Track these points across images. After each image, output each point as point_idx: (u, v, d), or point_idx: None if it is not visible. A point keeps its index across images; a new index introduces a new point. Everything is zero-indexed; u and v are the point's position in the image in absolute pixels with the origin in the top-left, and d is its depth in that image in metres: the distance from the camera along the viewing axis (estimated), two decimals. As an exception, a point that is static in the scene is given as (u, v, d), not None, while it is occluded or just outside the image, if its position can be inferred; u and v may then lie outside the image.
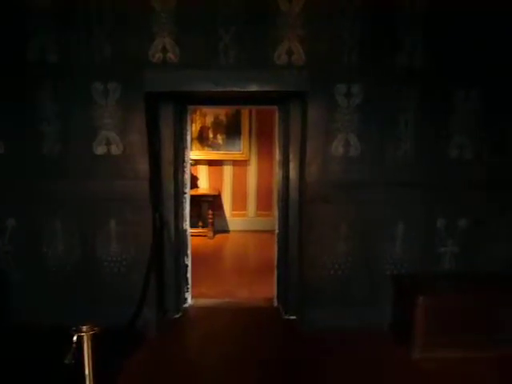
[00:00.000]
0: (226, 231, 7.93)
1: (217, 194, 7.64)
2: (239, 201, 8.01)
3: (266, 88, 3.59)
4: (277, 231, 4.27)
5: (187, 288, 4.37)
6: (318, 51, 3.58)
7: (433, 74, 3.65)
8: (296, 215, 4.01)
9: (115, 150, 3.66)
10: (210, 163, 7.87)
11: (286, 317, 4.13)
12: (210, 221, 7.36)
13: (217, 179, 7.94)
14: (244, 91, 3.61)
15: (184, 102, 4.06)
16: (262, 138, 7.72)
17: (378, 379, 3.17)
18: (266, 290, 4.62)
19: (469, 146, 3.75)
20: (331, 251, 3.80)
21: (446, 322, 3.44)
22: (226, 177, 7.95)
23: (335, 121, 3.65)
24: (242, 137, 7.78)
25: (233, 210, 8.04)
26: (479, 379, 3.16)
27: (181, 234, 4.21)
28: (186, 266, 4.31)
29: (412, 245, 3.83)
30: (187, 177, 4.23)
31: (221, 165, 7.90)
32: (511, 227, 3.88)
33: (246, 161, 7.88)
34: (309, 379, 3.16)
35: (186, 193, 4.23)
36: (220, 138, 7.77)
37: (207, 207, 7.42)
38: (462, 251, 3.87)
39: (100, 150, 3.67)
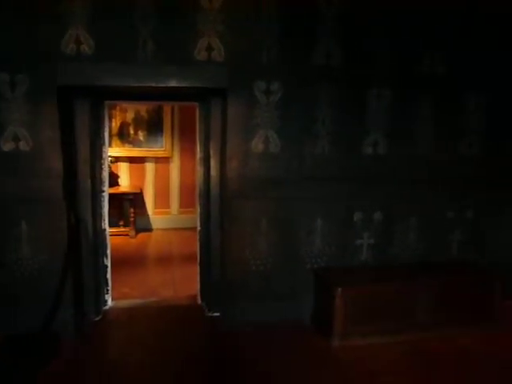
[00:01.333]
0: (149, 230, 7.75)
1: (138, 191, 7.43)
2: (162, 198, 7.85)
3: (186, 84, 3.54)
4: (199, 228, 4.24)
5: (107, 289, 4.22)
6: (237, 48, 3.59)
7: (348, 72, 3.80)
8: (217, 212, 4.01)
9: (24, 146, 3.44)
10: (132, 160, 7.64)
11: (210, 314, 4.12)
12: (132, 219, 7.15)
13: (139, 177, 7.72)
14: (163, 87, 3.53)
15: (101, 97, 3.90)
16: (185, 135, 7.61)
17: (299, 369, 3.26)
18: (190, 288, 4.58)
19: (383, 142, 3.96)
20: (253, 247, 3.84)
21: (364, 311, 3.60)
22: (149, 174, 7.76)
23: (255, 117, 3.69)
24: (164, 133, 7.62)
25: (155, 207, 7.87)
26: (393, 362, 3.35)
27: (99, 234, 4.04)
28: (106, 266, 4.16)
29: (331, 239, 3.97)
30: (105, 174, 4.07)
31: (143, 162, 7.69)
32: (421, 219, 4.16)
33: (168, 158, 7.74)
34: (231, 375, 3.18)
35: (104, 191, 4.07)
36: (141, 135, 7.56)
37: (129, 205, 7.21)
38: (377, 243, 4.08)
39: (8, 146, 3.43)
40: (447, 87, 4.03)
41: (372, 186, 3.95)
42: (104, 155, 4.03)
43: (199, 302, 4.35)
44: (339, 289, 3.52)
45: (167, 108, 7.49)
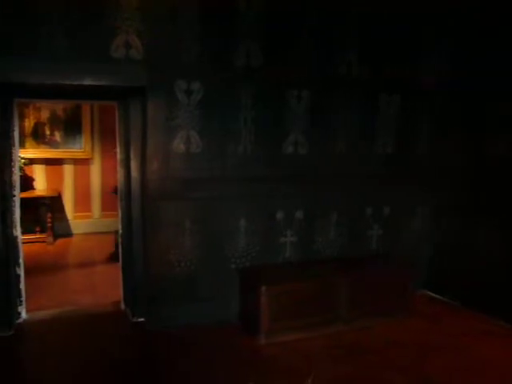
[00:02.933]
0: (69, 235, 7.39)
1: (56, 195, 7.04)
2: (82, 202, 7.51)
3: (101, 82, 3.41)
4: (120, 231, 4.10)
5: (21, 301, 3.94)
6: (157, 46, 3.52)
7: (269, 73, 3.85)
8: (139, 214, 3.90)
9: None
10: (48, 162, 7.22)
11: (134, 319, 4.00)
12: (49, 225, 6.77)
13: (56, 179, 7.32)
14: (77, 84, 3.37)
15: (10, 95, 3.65)
16: (106, 135, 7.31)
17: (221, 367, 3.24)
18: (113, 294, 4.42)
19: (303, 142, 4.05)
20: (176, 248, 3.78)
21: (289, 308, 3.66)
22: (67, 176, 7.38)
23: (176, 117, 3.63)
24: (83, 134, 7.30)
25: (76, 211, 7.51)
26: (316, 356, 3.44)
27: (10, 242, 3.78)
28: (18, 276, 3.89)
29: (254, 237, 4.01)
30: (16, 178, 3.81)
31: (60, 164, 7.31)
32: (341, 215, 4.31)
33: (88, 159, 7.41)
34: (156, 380, 3.11)
35: (15, 195, 3.81)
36: (58, 135, 7.18)
37: (45, 210, 6.80)
38: (300, 240, 4.18)
39: None
40: (363, 88, 4.21)
41: (294, 185, 4.04)
42: (14, 157, 3.77)
43: (123, 307, 4.21)
44: (263, 287, 3.56)
45: (86, 107, 7.17)
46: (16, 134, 3.77)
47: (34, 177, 7.11)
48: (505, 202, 4.04)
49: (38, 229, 6.91)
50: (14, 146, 3.75)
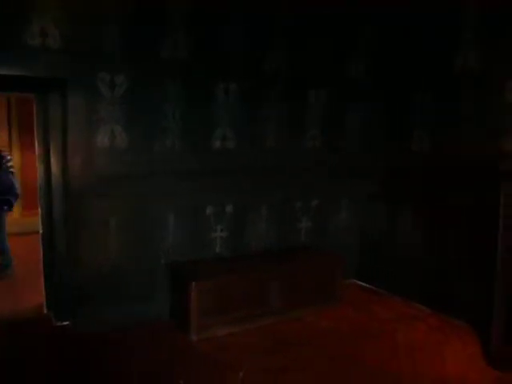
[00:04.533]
0: (-15, 236, 6.88)
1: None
2: None
3: (14, 72, 3.18)
4: (41, 231, 3.88)
5: None
6: (77, 36, 3.34)
7: (197, 67, 3.80)
8: (61, 212, 3.71)
9: None
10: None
11: (58, 323, 3.80)
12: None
13: (-30, 177, 6.79)
14: (-12, 74, 3.14)
15: None
16: (26, 129, 6.86)
17: (155, 366, 3.17)
18: (35, 298, 4.17)
19: (232, 136, 4.04)
20: (102, 247, 3.64)
21: (220, 302, 3.66)
22: (-18, 173, 6.87)
23: (99, 111, 3.48)
24: (-1, 128, 6.83)
25: (-8, 211, 7.01)
26: (249, 348, 3.45)
27: None
28: None
29: (184, 233, 3.95)
30: None
31: (-26, 160, 6.79)
32: (271, 209, 4.35)
33: (5, 154, 6.94)
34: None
35: None
36: (-30, 128, 6.67)
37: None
38: (231, 234, 4.17)
39: None
40: (291, 82, 4.27)
41: (223, 180, 4.02)
42: None
43: (45, 311, 3.99)
44: (193, 283, 3.52)
45: (2, 98, 6.71)
46: None
47: None
48: (421, 191, 4.27)
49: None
50: None
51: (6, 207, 4.93)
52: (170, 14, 3.62)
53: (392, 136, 4.58)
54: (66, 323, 3.78)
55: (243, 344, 3.52)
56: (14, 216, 7.10)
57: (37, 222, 3.92)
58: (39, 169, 3.80)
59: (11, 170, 4.93)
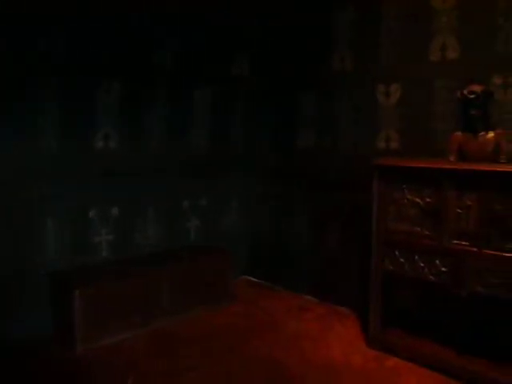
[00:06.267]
0: None
1: None
2: None
3: None
4: None
5: None
6: None
7: (76, 63, 3.62)
8: None
9: None
10: None
11: None
12: None
13: None
14: None
15: None
16: None
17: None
18: None
19: (114, 136, 3.88)
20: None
21: (109, 309, 3.50)
22: None
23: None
24: None
25: None
26: (139, 352, 3.37)
27: None
28: None
29: (66, 238, 3.70)
30: None
31: None
32: (159, 209, 4.26)
33: None
34: None
35: None
36: None
37: None
38: (117, 238, 4.01)
39: None
40: (176, 81, 4.24)
41: (106, 181, 3.84)
42: None
43: None
44: (76, 291, 3.32)
45: None
46: None
47: None
48: (307, 189, 4.48)
49: None
50: None
51: None
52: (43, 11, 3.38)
53: (278, 135, 4.73)
54: None
55: (135, 349, 3.42)
56: None
57: None
58: None
59: None
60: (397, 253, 3.21)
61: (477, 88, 2.92)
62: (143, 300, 3.72)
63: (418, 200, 3.09)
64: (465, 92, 2.95)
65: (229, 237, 4.83)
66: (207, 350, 3.41)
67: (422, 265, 3.09)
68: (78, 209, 3.76)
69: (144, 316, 3.72)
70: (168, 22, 4.09)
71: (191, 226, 4.52)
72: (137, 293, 3.67)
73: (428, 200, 3.04)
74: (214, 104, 4.53)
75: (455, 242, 2.94)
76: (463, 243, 2.90)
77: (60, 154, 3.59)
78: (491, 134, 2.96)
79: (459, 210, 2.91)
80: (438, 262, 3.01)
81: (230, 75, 4.68)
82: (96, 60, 3.72)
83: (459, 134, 3.09)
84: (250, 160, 4.87)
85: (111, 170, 3.86)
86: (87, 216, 3.80)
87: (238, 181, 4.83)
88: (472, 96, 2.91)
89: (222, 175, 4.67)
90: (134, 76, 3.95)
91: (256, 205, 4.95)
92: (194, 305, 4.02)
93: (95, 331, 3.44)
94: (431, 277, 3.06)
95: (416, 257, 3.12)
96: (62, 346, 3.44)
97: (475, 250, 2.85)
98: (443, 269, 2.99)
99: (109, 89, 3.79)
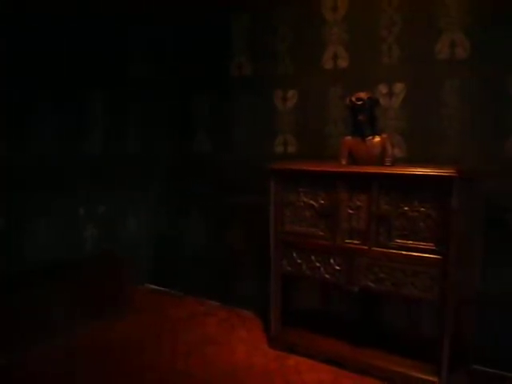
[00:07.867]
0: None
1: None
2: None
3: None
4: None
5: None
6: None
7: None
8: None
9: None
10: None
11: None
12: None
13: None
14: None
15: None
16: None
17: None
18: None
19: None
20: None
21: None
22: None
23: None
24: None
25: None
26: (27, 379, 3.09)
27: None
28: None
29: None
30: None
31: None
32: (52, 219, 3.98)
33: None
34: None
35: None
36: None
37: None
38: (2, 250, 3.66)
39: None
40: (68, 85, 4.00)
41: None
42: None
43: None
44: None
45: None
46: None
47: None
48: (205, 192, 4.46)
49: None
50: None
51: None
52: None
53: (175, 137, 4.66)
54: None
55: (19, 376, 3.11)
56: None
57: None
58: None
59: None
60: (294, 254, 3.30)
61: (363, 95, 3.09)
62: (31, 318, 3.41)
63: (312, 202, 3.21)
64: (353, 99, 3.11)
65: (129, 244, 4.64)
66: (101, 367, 3.24)
67: (318, 264, 3.21)
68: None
69: (32, 337, 3.38)
70: (62, 22, 3.85)
71: (88, 235, 4.27)
72: (23, 311, 3.37)
73: (322, 202, 3.17)
74: (110, 105, 4.35)
75: (348, 241, 3.08)
76: (355, 242, 3.06)
77: None
78: (377, 139, 3.14)
79: (351, 211, 3.06)
80: (332, 261, 3.14)
81: (127, 77, 4.52)
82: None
83: (349, 138, 3.24)
84: (147, 163, 4.74)
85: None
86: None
87: (135, 185, 4.67)
88: (359, 102, 3.07)
89: (120, 180, 4.48)
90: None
91: (157, 209, 4.82)
92: (91, 319, 3.80)
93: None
94: (327, 275, 3.18)
95: (312, 257, 3.22)
96: None
97: (365, 247, 3.01)
98: (337, 267, 3.13)
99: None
